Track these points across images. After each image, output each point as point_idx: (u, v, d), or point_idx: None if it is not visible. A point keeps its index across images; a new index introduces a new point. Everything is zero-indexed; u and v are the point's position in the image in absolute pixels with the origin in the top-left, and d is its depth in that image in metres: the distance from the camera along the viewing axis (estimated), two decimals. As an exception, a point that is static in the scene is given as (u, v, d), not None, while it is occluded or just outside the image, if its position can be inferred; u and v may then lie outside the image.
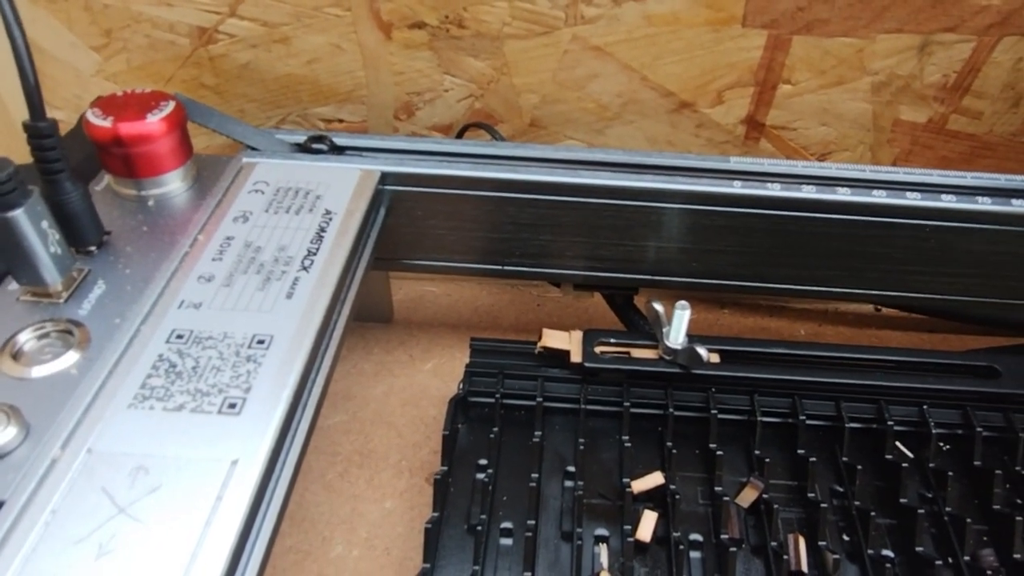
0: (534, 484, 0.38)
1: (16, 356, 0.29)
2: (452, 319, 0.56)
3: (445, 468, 0.39)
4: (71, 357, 0.30)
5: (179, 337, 0.30)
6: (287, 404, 0.28)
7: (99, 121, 0.36)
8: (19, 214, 0.29)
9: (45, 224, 0.30)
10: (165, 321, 0.31)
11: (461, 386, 0.42)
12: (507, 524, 0.38)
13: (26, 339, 0.30)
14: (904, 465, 0.39)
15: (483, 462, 0.40)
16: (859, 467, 0.40)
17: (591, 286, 0.47)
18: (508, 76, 0.49)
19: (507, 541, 0.38)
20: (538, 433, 0.40)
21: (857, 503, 0.39)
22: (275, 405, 0.28)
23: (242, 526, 0.25)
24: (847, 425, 0.41)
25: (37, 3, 0.46)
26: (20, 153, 0.32)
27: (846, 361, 0.43)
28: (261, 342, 0.30)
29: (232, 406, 0.28)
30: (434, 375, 0.51)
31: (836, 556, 0.36)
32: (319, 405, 0.32)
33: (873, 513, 0.38)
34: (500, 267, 0.45)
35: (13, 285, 0.32)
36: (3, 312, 0.31)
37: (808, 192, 0.41)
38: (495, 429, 0.41)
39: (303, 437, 0.30)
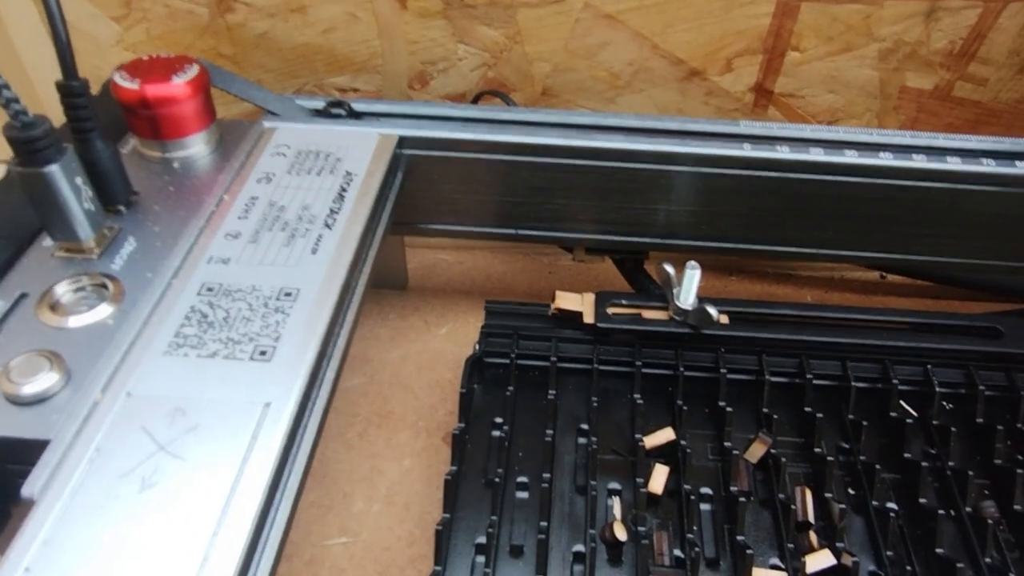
0: (549, 439, 0.40)
1: (54, 307, 0.31)
2: (465, 286, 0.57)
3: (463, 425, 0.40)
4: (106, 309, 0.31)
5: (209, 290, 0.32)
6: (316, 351, 0.30)
7: (126, 83, 0.36)
8: (55, 169, 0.30)
9: (79, 180, 0.31)
10: (195, 275, 0.32)
11: (477, 347, 0.43)
12: (523, 478, 0.39)
13: (63, 291, 0.31)
14: (908, 422, 0.40)
15: (499, 420, 0.41)
16: (864, 424, 0.41)
17: (602, 250, 0.48)
18: (521, 45, 0.50)
19: (523, 494, 0.39)
20: (552, 392, 0.42)
21: (863, 458, 0.40)
22: (304, 352, 0.29)
23: (277, 463, 0.26)
24: (853, 384, 0.42)
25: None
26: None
27: (852, 322, 0.44)
28: (288, 294, 0.32)
29: (263, 353, 0.29)
30: (448, 340, 0.52)
31: (842, 506, 0.37)
32: (343, 357, 0.33)
33: (878, 467, 0.39)
34: (514, 231, 0.46)
35: (48, 241, 0.33)
36: (40, 266, 0.32)
37: (816, 155, 0.41)
38: (510, 388, 0.42)
39: (329, 385, 0.31)
